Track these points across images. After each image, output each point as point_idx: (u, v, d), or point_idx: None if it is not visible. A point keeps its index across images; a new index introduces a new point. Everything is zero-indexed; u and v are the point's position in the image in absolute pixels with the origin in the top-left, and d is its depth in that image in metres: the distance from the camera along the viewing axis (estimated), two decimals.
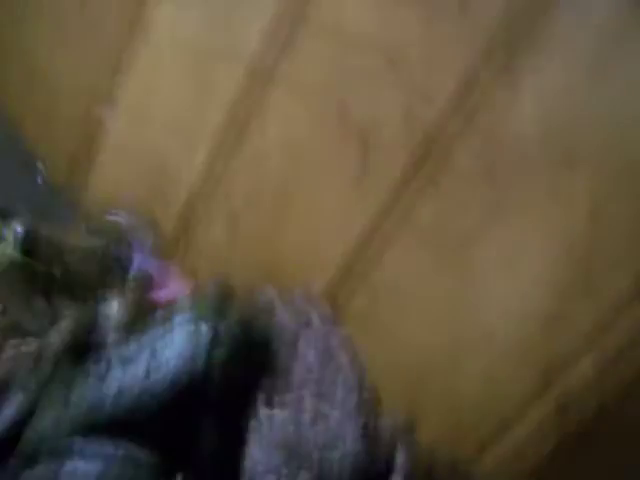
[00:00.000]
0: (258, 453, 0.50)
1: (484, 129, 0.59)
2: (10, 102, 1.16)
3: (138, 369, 0.54)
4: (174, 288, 0.83)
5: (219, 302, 0.55)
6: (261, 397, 0.52)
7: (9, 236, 0.66)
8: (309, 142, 0.72)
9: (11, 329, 0.67)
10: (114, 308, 0.68)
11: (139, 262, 0.80)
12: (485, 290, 0.61)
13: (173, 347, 0.53)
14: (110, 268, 0.79)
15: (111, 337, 0.62)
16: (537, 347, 0.60)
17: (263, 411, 0.51)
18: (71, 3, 1.02)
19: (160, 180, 0.88)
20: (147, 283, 0.79)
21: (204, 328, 0.54)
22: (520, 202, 0.58)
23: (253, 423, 0.51)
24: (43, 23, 1.10)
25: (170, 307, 0.57)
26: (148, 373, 0.54)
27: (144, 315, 0.71)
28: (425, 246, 0.64)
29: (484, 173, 0.59)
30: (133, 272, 0.77)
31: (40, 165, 1.04)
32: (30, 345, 0.63)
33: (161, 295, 0.81)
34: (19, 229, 0.66)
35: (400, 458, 0.52)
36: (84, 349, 0.62)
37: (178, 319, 0.55)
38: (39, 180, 1.04)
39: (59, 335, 0.64)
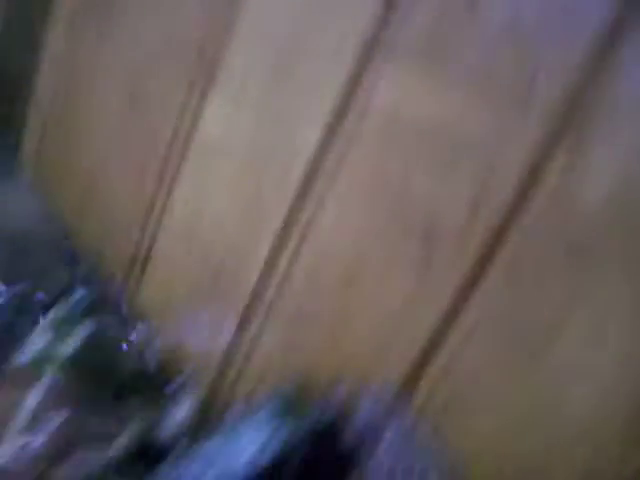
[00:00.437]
0: None
1: (556, 212, 0.58)
2: (68, 215, 1.20)
3: (213, 470, 0.52)
4: None
5: (296, 401, 0.53)
6: None
7: (77, 334, 0.65)
8: (371, 237, 0.72)
9: (78, 435, 0.65)
10: (184, 409, 0.66)
11: None
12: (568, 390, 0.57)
13: (250, 448, 0.51)
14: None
15: (180, 439, 0.60)
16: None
17: None
18: (121, 115, 1.07)
19: (220, 280, 0.87)
20: None
21: (282, 428, 0.51)
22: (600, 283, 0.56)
23: None
24: (96, 138, 1.16)
25: (246, 408, 0.55)
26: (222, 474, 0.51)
27: (211, 415, 0.69)
28: (504, 339, 0.61)
29: (561, 256, 0.57)
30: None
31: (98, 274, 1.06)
32: (97, 452, 0.61)
33: None
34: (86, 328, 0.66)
35: None
36: (152, 451, 0.60)
37: (255, 419, 0.52)
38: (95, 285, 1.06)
39: (127, 440, 0.62)
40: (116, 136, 1.14)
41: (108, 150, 1.15)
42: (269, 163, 0.81)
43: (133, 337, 0.85)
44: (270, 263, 0.80)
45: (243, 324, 0.83)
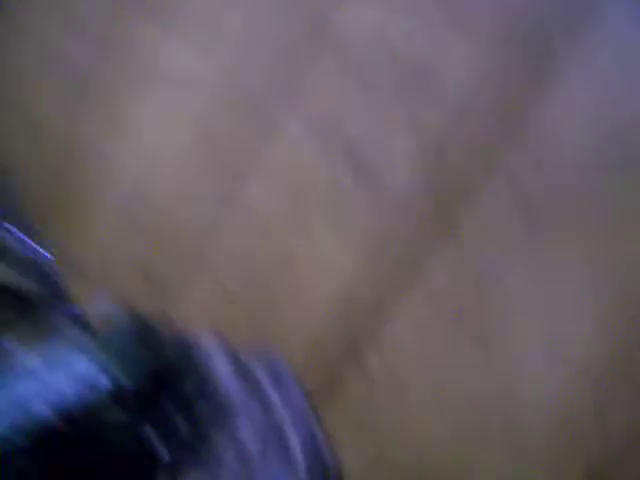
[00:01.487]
0: None
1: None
2: None
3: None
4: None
5: (131, 346, 0.42)
6: None
7: None
8: None
9: None
10: None
11: None
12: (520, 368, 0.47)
13: (63, 392, 0.40)
14: None
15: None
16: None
17: None
18: None
19: None
20: None
21: (103, 381, 0.40)
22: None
23: None
24: None
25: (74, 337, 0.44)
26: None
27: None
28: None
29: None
30: None
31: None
32: None
33: None
34: None
35: None
36: None
37: (77, 361, 0.41)
38: None
39: None
40: None
41: None
42: None
43: None
44: None
45: None
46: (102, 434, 0.40)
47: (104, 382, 0.41)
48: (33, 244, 0.78)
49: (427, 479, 0.51)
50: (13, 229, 0.74)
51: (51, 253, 0.78)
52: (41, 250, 0.79)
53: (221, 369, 0.43)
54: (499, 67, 0.48)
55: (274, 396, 0.42)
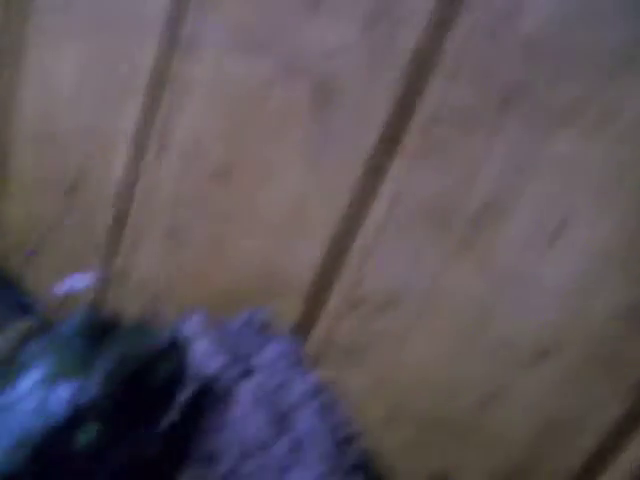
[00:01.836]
0: None
1: None
2: None
3: None
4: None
5: (89, 344, 0.35)
6: None
7: None
8: None
9: None
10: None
11: None
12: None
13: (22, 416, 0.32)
14: None
15: None
16: None
17: None
18: None
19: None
20: None
21: (62, 391, 0.33)
22: None
23: None
24: None
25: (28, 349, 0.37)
26: None
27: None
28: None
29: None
30: None
31: None
32: None
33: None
34: None
35: None
36: None
37: (27, 379, 0.34)
38: None
39: None
40: None
41: None
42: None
43: None
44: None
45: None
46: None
47: (64, 397, 0.34)
48: None
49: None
50: None
51: None
52: None
53: (204, 350, 0.37)
54: None
55: (265, 368, 0.36)
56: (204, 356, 0.36)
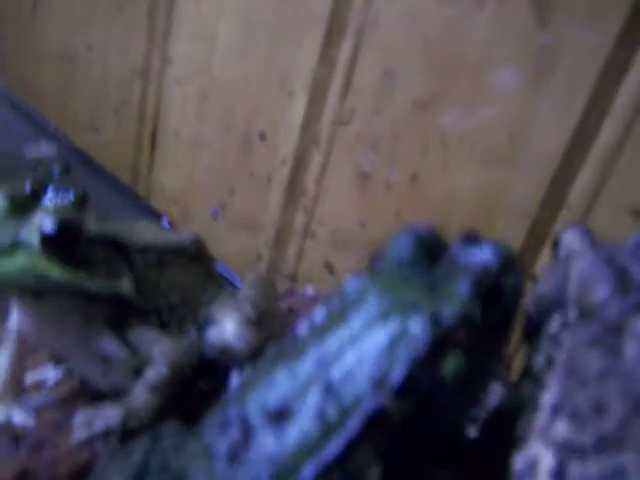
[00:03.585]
0: None
1: None
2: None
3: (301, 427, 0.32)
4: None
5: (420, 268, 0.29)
6: None
7: (32, 236, 0.39)
8: None
9: (77, 394, 0.44)
10: (229, 331, 0.45)
11: None
12: None
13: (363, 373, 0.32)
14: (210, 271, 0.54)
15: (235, 376, 0.37)
16: None
17: None
18: None
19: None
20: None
21: (414, 323, 0.31)
22: None
23: None
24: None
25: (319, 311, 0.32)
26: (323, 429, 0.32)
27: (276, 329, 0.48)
28: None
29: None
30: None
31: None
32: (106, 414, 0.39)
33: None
34: (47, 224, 0.39)
35: None
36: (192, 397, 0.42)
37: (358, 322, 0.32)
38: None
39: (147, 391, 0.40)
40: None
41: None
42: None
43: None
44: None
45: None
46: None
47: None
48: None
49: None
50: None
51: None
52: None
53: (587, 272, 0.30)
54: None
55: None
56: (587, 280, 0.30)
